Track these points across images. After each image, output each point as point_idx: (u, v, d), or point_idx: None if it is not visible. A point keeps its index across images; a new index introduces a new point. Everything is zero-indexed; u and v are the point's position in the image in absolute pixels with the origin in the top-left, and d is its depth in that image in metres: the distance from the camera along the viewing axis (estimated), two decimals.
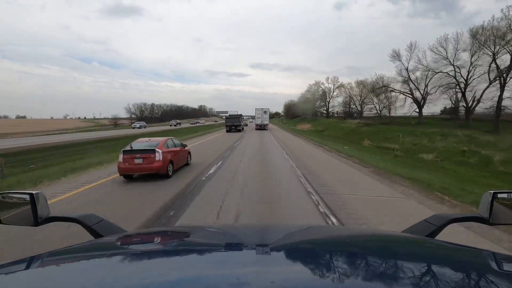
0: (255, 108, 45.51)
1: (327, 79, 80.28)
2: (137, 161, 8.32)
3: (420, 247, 0.94)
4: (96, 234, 1.08)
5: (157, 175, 8.48)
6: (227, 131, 37.15)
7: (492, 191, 1.04)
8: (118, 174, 8.62)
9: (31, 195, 1.05)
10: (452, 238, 0.96)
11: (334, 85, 74.43)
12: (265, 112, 43.42)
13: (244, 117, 63.53)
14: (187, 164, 10.94)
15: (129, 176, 8.60)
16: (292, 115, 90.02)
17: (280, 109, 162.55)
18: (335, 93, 74.33)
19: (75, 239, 1.27)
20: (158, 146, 8.74)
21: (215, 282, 0.61)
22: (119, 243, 0.99)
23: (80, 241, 0.98)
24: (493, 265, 0.73)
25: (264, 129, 41.29)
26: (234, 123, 38.22)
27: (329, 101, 75.61)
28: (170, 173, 8.86)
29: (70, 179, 9.07)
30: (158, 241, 1.07)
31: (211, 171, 9.78)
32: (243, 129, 41.78)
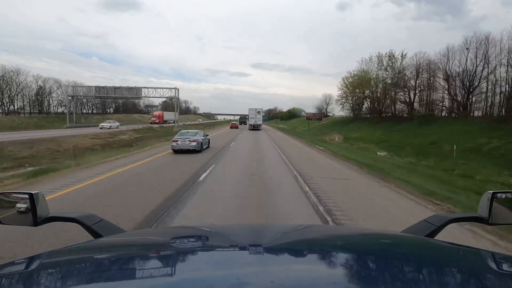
0: (249, 108, 46.49)
1: None
2: (233, 124, 48.82)
3: (420, 247, 0.95)
4: (96, 234, 1.07)
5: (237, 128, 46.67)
6: (239, 124, 72.72)
7: (492, 191, 1.05)
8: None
9: (30, 195, 1.03)
10: (452, 238, 0.97)
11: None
12: (258, 112, 45.82)
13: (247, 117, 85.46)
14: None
15: (233, 128, 46.49)
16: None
17: (291, 107, 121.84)
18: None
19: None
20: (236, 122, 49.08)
21: (216, 282, 0.62)
22: (118, 243, 1.00)
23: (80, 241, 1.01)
24: (493, 265, 0.74)
25: (258, 129, 43.29)
26: (242, 120, 75.03)
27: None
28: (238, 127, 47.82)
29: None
30: (158, 241, 1.08)
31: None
32: (246, 124, 78.74)
